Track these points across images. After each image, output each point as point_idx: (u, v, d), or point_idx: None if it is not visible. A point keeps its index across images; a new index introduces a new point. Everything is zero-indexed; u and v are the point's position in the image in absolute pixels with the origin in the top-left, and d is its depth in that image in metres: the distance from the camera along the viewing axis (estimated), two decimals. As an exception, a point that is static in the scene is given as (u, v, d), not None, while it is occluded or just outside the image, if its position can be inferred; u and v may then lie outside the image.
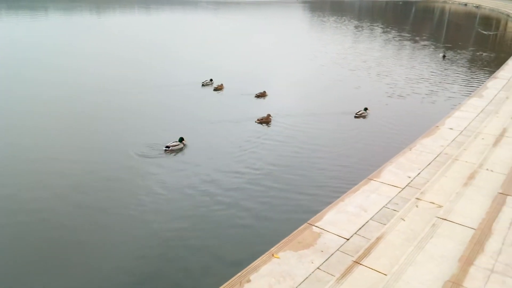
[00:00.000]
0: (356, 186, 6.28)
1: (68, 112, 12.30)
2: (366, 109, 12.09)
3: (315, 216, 5.35)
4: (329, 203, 5.83)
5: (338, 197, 5.99)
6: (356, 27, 39.14)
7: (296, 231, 4.95)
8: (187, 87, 15.13)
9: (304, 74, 17.98)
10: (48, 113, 12.16)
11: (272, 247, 4.59)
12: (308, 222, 5.19)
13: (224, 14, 54.03)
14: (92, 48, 23.50)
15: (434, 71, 18.36)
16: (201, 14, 52.78)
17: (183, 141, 9.53)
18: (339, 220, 5.22)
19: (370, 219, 5.24)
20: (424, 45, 26.89)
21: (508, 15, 53.18)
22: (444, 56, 21.76)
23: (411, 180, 6.35)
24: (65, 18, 40.47)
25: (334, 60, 20.83)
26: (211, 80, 15.33)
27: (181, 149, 9.42)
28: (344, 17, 51.80)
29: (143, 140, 9.91)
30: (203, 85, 15.15)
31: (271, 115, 11.40)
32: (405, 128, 11.01)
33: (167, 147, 9.25)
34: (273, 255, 4.42)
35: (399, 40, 29.53)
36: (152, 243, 6.11)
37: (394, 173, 6.65)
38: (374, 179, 6.46)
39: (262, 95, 13.72)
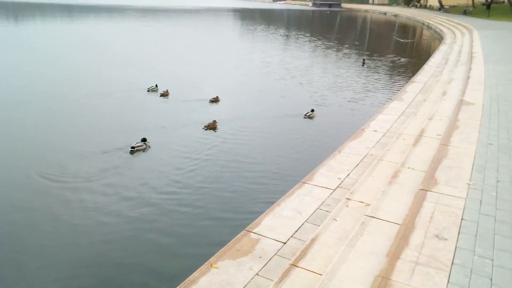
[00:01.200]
0: (291, 190, 6.42)
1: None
2: (313, 110, 12.87)
3: (253, 223, 5.38)
4: (267, 208, 5.91)
5: (275, 201, 6.08)
6: (284, 36, 40.37)
7: (234, 239, 4.95)
8: (131, 93, 15.03)
9: (241, 80, 18.39)
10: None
11: (211, 257, 4.55)
12: (246, 229, 5.22)
13: (153, 22, 53.02)
14: (21, 56, 22.13)
15: (358, 77, 19.43)
16: (130, 22, 51.30)
17: (146, 142, 9.95)
18: (276, 224, 5.30)
19: (305, 221, 5.39)
20: (349, 53, 28.38)
21: (423, 23, 57.84)
22: (363, 63, 23.07)
23: (341, 182, 6.63)
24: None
25: (266, 68, 21.26)
26: (156, 86, 15.38)
27: (144, 149, 9.84)
28: (272, 26, 53.09)
29: (79, 148, 9.47)
30: (148, 91, 15.15)
31: (217, 121, 11.60)
32: (334, 132, 11.52)
33: (132, 147, 9.63)
34: (212, 265, 4.38)
35: (325, 48, 30.93)
36: (81, 265, 5.78)
37: (326, 175, 6.89)
38: (308, 182, 6.65)
39: (215, 100, 14.10)
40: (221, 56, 25.97)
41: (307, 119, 12.55)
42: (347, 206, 5.49)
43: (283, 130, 11.87)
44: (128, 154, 9.52)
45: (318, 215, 5.57)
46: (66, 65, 20.66)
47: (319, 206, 5.82)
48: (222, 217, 7.05)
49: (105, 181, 8.16)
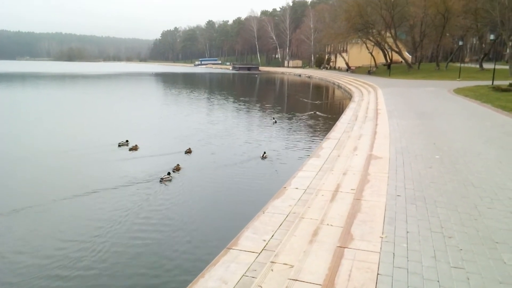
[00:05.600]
0: (216, 258, 6.25)
1: None
2: (265, 152, 15.46)
3: (174, 300, 5.10)
4: (191, 280, 5.67)
5: (200, 271, 5.86)
6: (207, 99, 41.50)
7: (154, 320, 4.62)
8: (103, 148, 16.51)
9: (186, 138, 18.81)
10: None
11: None
12: (167, 307, 4.91)
13: (83, 88, 51.85)
14: None
15: (279, 136, 20.25)
16: (50, 89, 49.44)
17: (171, 174, 12.47)
18: (199, 298, 5.06)
19: (231, 291, 5.22)
20: (269, 114, 29.61)
21: (334, 83, 62.84)
22: (274, 121, 24.27)
23: (266, 244, 6.61)
24: None
25: (195, 128, 21.41)
26: (127, 141, 16.77)
27: (170, 180, 12.21)
28: (195, 90, 54.32)
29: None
30: (119, 145, 16.55)
31: (180, 164, 13.63)
32: (258, 191, 11.67)
33: (161, 179, 12.07)
34: None
35: (247, 110, 32.14)
36: None
37: (251, 238, 6.84)
38: (233, 247, 6.54)
39: (189, 151, 15.87)
40: (146, 116, 26.69)
41: (263, 160, 14.90)
42: (272, 270, 5.44)
43: (209, 189, 11.93)
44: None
45: (244, 282, 5.44)
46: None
47: (245, 273, 5.70)
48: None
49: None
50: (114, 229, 8.98)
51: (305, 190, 9.34)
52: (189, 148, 16.20)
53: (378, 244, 5.23)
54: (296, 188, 9.47)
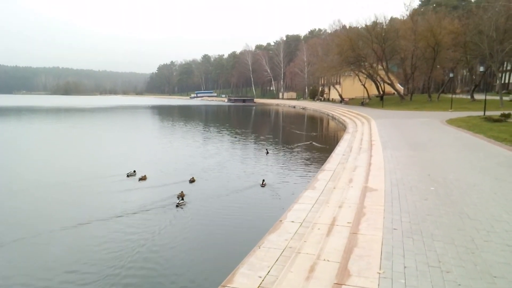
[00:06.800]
0: (210, 297, 6.10)
1: None
2: (264, 180, 16.05)
3: None
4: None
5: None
6: (203, 131, 41.71)
7: None
8: (112, 179, 17.15)
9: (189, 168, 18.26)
10: None
11: None
12: None
13: (74, 122, 51.88)
14: None
15: (273, 168, 20.22)
16: (46, 124, 49.56)
17: (183, 199, 13.49)
18: None
19: (226, 332, 5.07)
20: (264, 145, 29.74)
21: (328, 115, 63.47)
22: (267, 152, 24.59)
23: (262, 280, 6.47)
24: None
25: (198, 158, 21.39)
26: (134, 171, 17.31)
27: (184, 204, 13.22)
28: (191, 121, 54.60)
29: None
30: (127, 176, 16.97)
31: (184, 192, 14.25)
32: (254, 224, 11.55)
33: (177, 204, 13.04)
34: None
35: (243, 142, 32.28)
36: None
37: (246, 275, 6.70)
38: (228, 285, 6.39)
39: (192, 180, 16.69)
40: (145, 148, 26.80)
41: (263, 187, 15.57)
42: (268, 309, 5.30)
43: (205, 222, 11.80)
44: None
45: (239, 322, 5.29)
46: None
47: (240, 312, 5.55)
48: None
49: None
50: (110, 263, 8.81)
51: (301, 223, 9.24)
52: (193, 177, 16.87)
53: (375, 280, 5.14)
54: (292, 222, 9.37)
